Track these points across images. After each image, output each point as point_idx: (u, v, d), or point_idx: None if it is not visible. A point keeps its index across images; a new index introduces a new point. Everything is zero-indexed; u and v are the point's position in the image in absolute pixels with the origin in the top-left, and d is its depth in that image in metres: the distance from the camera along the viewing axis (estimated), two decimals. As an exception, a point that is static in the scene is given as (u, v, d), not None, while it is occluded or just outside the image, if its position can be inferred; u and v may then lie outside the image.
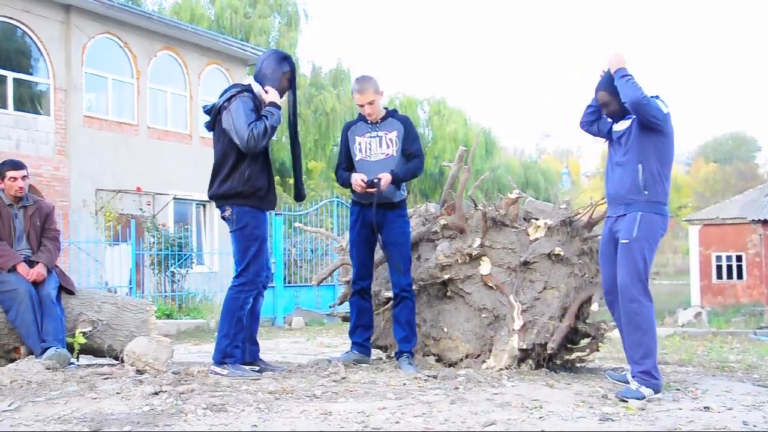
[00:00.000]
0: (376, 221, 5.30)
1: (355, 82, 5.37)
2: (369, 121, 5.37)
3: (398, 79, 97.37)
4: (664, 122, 4.46)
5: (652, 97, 4.48)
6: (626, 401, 4.15)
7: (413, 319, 5.38)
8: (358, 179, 5.26)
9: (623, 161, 4.61)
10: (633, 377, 4.36)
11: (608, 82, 4.64)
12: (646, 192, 4.51)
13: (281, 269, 15.05)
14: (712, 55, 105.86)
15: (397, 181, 5.29)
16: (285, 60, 5.14)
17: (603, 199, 5.85)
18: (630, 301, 4.44)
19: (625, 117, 4.70)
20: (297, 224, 8.88)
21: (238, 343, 4.95)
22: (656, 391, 4.29)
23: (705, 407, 4.12)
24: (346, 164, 5.46)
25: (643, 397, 4.18)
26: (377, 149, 5.32)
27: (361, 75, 5.41)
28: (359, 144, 5.37)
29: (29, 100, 15.85)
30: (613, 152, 4.75)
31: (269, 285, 5.36)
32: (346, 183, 5.44)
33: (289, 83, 5.14)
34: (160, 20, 18.03)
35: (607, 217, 4.83)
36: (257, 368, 5.15)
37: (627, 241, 4.48)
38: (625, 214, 4.57)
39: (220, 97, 5.08)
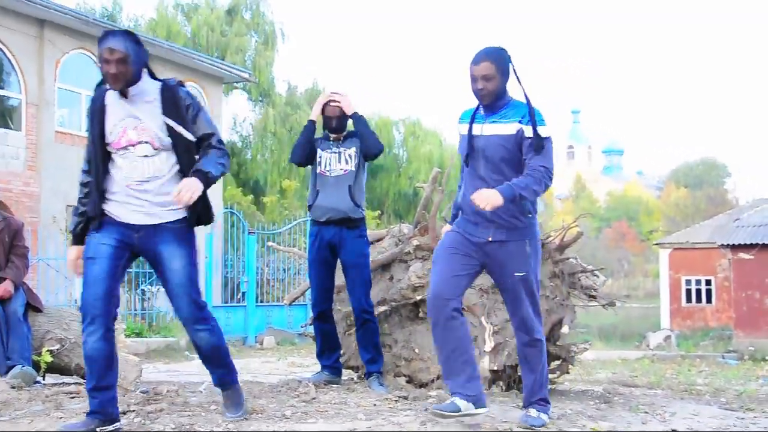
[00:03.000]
0: (334, 241, 5.29)
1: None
2: (332, 139, 5.41)
3: (374, 100, 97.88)
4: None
5: (534, 119, 3.83)
6: (533, 428, 3.97)
7: (377, 339, 5.34)
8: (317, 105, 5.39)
9: (495, 179, 3.89)
10: (530, 405, 4.10)
11: (494, 53, 3.88)
12: (529, 215, 3.96)
13: (254, 288, 14.96)
14: (685, 82, 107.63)
15: (357, 121, 5.34)
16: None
17: (575, 222, 5.91)
18: (533, 340, 4.10)
19: (504, 107, 3.94)
20: (270, 243, 8.86)
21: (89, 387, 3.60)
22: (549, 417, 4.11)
23: (672, 430, 4.15)
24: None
25: (544, 424, 4.02)
26: (336, 165, 5.33)
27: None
28: (320, 158, 5.38)
29: (0, 115, 15.69)
30: (475, 162, 4.01)
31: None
32: (302, 146, 5.45)
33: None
34: (135, 37, 17.93)
35: (487, 238, 3.94)
36: None
37: (524, 273, 3.99)
38: (506, 241, 3.94)
39: None
